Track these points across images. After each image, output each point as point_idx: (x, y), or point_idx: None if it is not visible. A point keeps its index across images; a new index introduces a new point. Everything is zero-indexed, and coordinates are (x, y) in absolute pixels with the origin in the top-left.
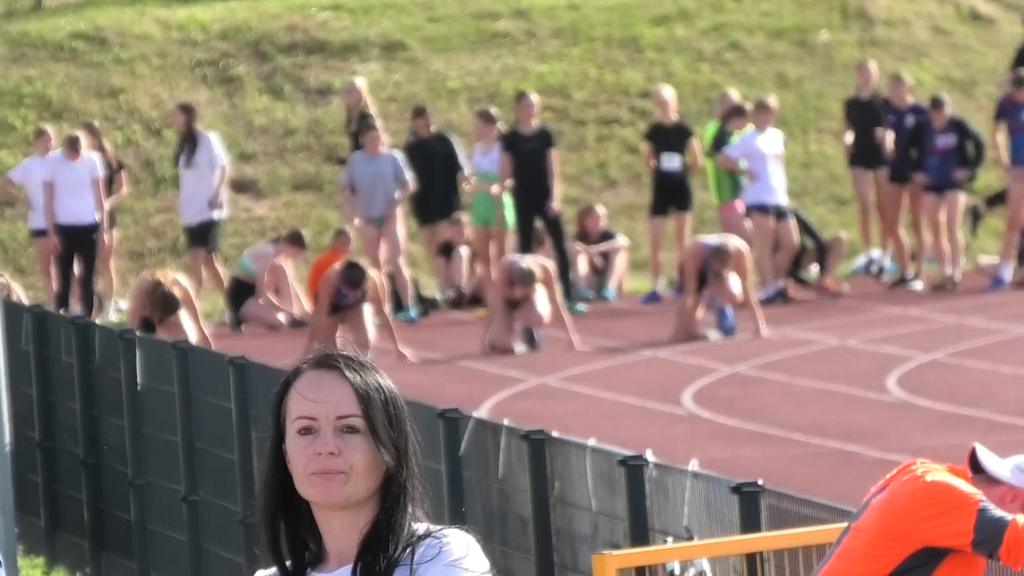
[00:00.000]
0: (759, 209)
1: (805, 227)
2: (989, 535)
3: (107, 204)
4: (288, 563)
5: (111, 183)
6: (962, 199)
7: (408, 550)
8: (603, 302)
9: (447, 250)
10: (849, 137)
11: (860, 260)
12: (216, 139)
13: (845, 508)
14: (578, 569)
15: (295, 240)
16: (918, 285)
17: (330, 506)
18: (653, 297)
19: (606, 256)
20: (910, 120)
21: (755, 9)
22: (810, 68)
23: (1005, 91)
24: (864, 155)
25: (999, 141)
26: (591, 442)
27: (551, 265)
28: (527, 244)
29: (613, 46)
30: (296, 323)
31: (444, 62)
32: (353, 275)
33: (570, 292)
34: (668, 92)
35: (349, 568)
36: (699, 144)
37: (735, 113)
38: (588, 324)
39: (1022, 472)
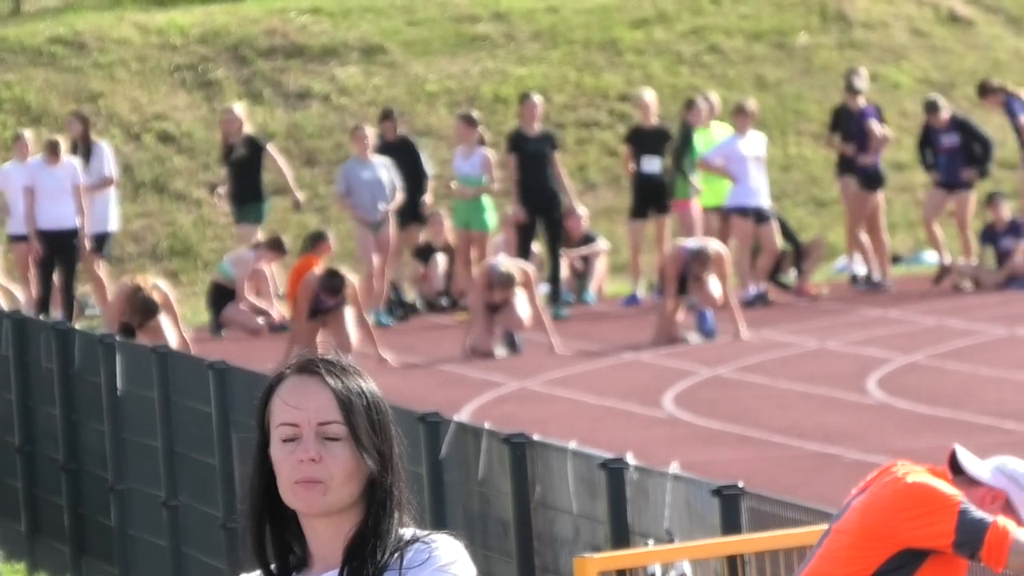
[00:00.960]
0: (739, 211)
1: (784, 230)
2: (970, 536)
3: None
4: (273, 567)
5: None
6: (971, 198)
7: (396, 555)
8: (584, 305)
9: (424, 253)
10: (847, 149)
11: (841, 262)
12: (108, 149)
13: (826, 510)
14: (559, 572)
15: (275, 245)
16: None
17: (312, 515)
18: (633, 300)
19: (586, 259)
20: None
21: (734, 12)
22: (789, 71)
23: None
24: (851, 163)
25: None
26: (572, 445)
27: (531, 268)
28: (527, 247)
29: (592, 49)
30: (276, 327)
31: (423, 65)
32: (333, 282)
33: (558, 296)
34: (649, 95)
35: (334, 573)
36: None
37: (690, 108)
38: (568, 327)
39: (1002, 473)
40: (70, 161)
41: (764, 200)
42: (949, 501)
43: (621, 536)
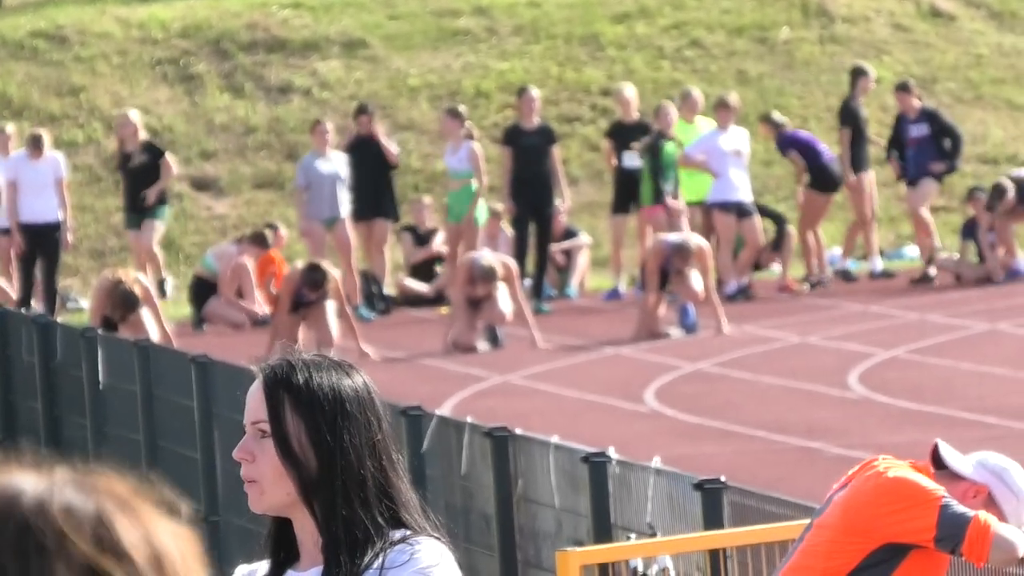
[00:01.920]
0: (720, 207)
1: (768, 213)
2: (952, 531)
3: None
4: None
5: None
6: (931, 186)
7: (381, 556)
8: (565, 300)
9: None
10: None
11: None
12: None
13: (808, 504)
14: (541, 566)
15: (258, 240)
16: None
17: (258, 513)
18: (614, 294)
19: (568, 254)
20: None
21: (715, 6)
22: (770, 65)
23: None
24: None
25: None
26: (554, 439)
27: (513, 263)
28: (523, 242)
29: (574, 43)
30: (259, 322)
31: (405, 60)
32: (314, 277)
33: (541, 292)
34: (630, 91)
35: (319, 570)
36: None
37: (662, 114)
38: (550, 322)
39: (985, 468)
40: (52, 155)
41: (746, 195)
42: (931, 496)
43: (603, 530)
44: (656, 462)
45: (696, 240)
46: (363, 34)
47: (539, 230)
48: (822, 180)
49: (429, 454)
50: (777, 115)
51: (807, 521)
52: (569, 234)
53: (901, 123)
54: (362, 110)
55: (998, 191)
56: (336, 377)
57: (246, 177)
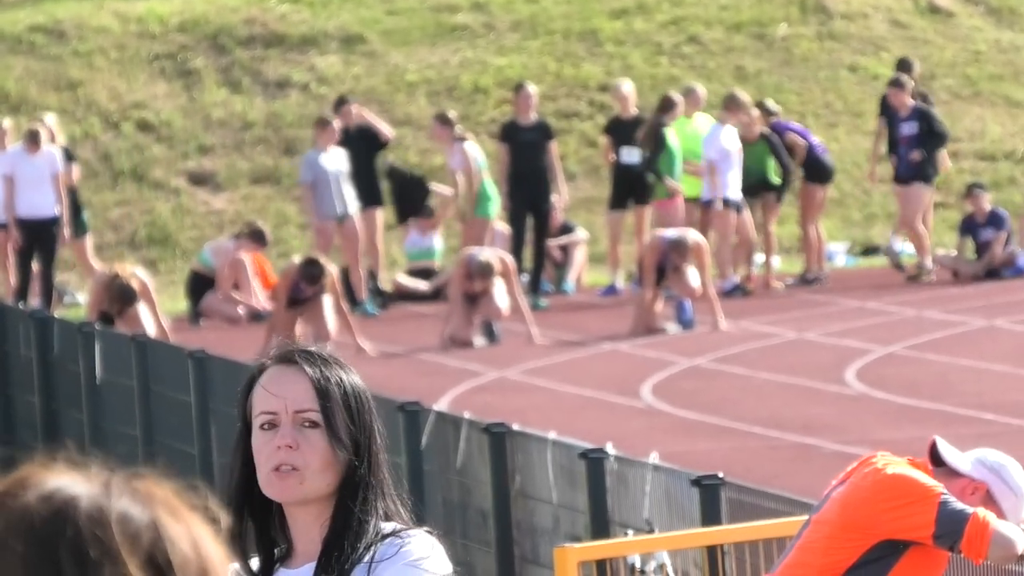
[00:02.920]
0: (723, 203)
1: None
2: (950, 528)
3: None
4: (256, 559)
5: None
6: (921, 193)
7: (372, 549)
8: (562, 295)
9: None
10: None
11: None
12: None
13: (805, 501)
14: (539, 562)
15: (256, 237)
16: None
17: (289, 503)
18: (611, 290)
19: (565, 249)
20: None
21: (714, 3)
22: (768, 61)
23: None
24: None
25: None
26: (552, 435)
27: (510, 258)
28: (520, 239)
29: (572, 39)
30: (255, 316)
31: (403, 55)
32: (311, 271)
33: (538, 287)
34: (627, 86)
35: (312, 565)
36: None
37: (668, 107)
38: (547, 317)
39: (983, 465)
40: (49, 150)
41: (738, 192)
42: (929, 492)
43: (601, 526)
44: (654, 458)
45: (693, 236)
46: (361, 29)
47: (536, 226)
48: (816, 172)
49: (426, 449)
50: (771, 102)
51: (805, 517)
52: (566, 230)
53: (893, 120)
54: (342, 101)
55: None
56: (351, 371)
57: (243, 172)
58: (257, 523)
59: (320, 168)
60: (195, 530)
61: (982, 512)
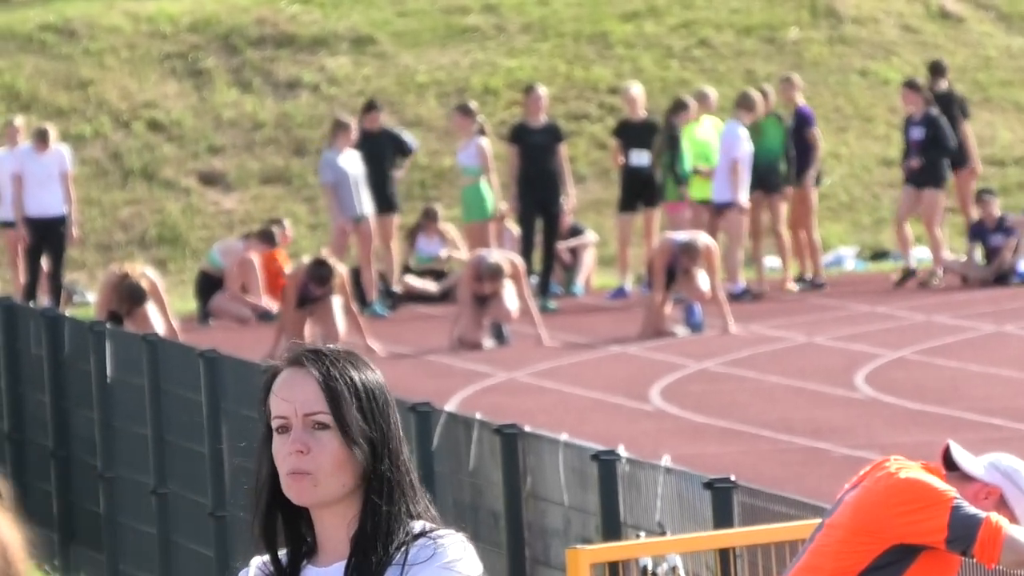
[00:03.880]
0: (733, 206)
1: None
2: (963, 532)
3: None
4: (283, 554)
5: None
6: (936, 198)
7: (402, 549)
8: (571, 298)
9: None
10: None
11: (829, 256)
12: None
13: (818, 504)
14: (550, 564)
15: (266, 237)
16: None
17: (306, 506)
18: (620, 293)
19: (574, 252)
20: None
21: (724, 6)
22: (779, 65)
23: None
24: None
25: None
26: (564, 437)
27: (519, 260)
28: (529, 241)
29: (582, 42)
30: (264, 317)
31: (413, 56)
32: (320, 272)
33: (547, 289)
34: (637, 89)
35: (342, 565)
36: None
37: (680, 108)
38: (556, 320)
39: (997, 470)
40: (58, 148)
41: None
42: (942, 497)
43: (612, 528)
44: (666, 461)
45: (704, 239)
46: (372, 30)
47: (546, 228)
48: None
49: (438, 451)
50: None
51: (817, 521)
52: (575, 232)
53: (907, 123)
54: (371, 107)
55: None
56: (367, 368)
57: (253, 172)
58: (287, 519)
59: (340, 169)
60: None
61: (995, 517)
